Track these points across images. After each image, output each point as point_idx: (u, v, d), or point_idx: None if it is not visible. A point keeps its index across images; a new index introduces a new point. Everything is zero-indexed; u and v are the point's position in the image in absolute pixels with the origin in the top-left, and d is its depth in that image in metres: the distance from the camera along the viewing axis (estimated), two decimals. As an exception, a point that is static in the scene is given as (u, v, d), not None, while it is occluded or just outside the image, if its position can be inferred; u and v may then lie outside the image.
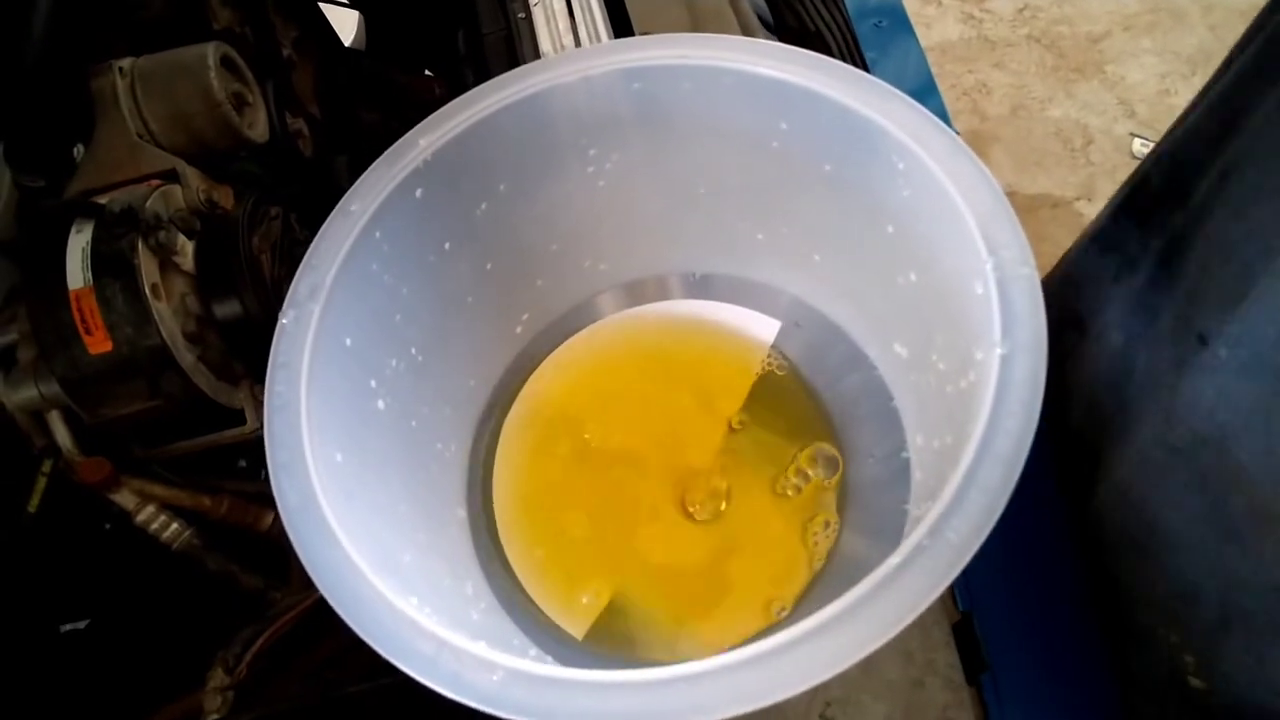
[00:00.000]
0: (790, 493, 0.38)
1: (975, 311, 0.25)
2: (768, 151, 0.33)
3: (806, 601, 0.36)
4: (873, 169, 0.29)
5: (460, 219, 0.33)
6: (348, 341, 0.29)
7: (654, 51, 0.31)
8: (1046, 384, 0.23)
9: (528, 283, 0.39)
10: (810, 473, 0.38)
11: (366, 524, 0.25)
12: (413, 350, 0.33)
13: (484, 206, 0.34)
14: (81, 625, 0.52)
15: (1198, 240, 0.34)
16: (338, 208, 0.29)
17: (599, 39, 0.59)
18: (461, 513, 0.37)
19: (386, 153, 0.31)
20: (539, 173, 0.35)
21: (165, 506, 0.46)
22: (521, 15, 0.65)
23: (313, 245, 0.29)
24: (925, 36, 1.60)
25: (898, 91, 0.28)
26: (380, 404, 0.31)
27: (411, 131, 0.31)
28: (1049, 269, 0.54)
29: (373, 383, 0.31)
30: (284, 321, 0.27)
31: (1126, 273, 0.40)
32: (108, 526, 0.53)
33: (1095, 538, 0.43)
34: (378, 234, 0.30)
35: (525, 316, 0.41)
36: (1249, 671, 0.34)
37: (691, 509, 0.39)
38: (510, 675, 0.20)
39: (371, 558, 0.23)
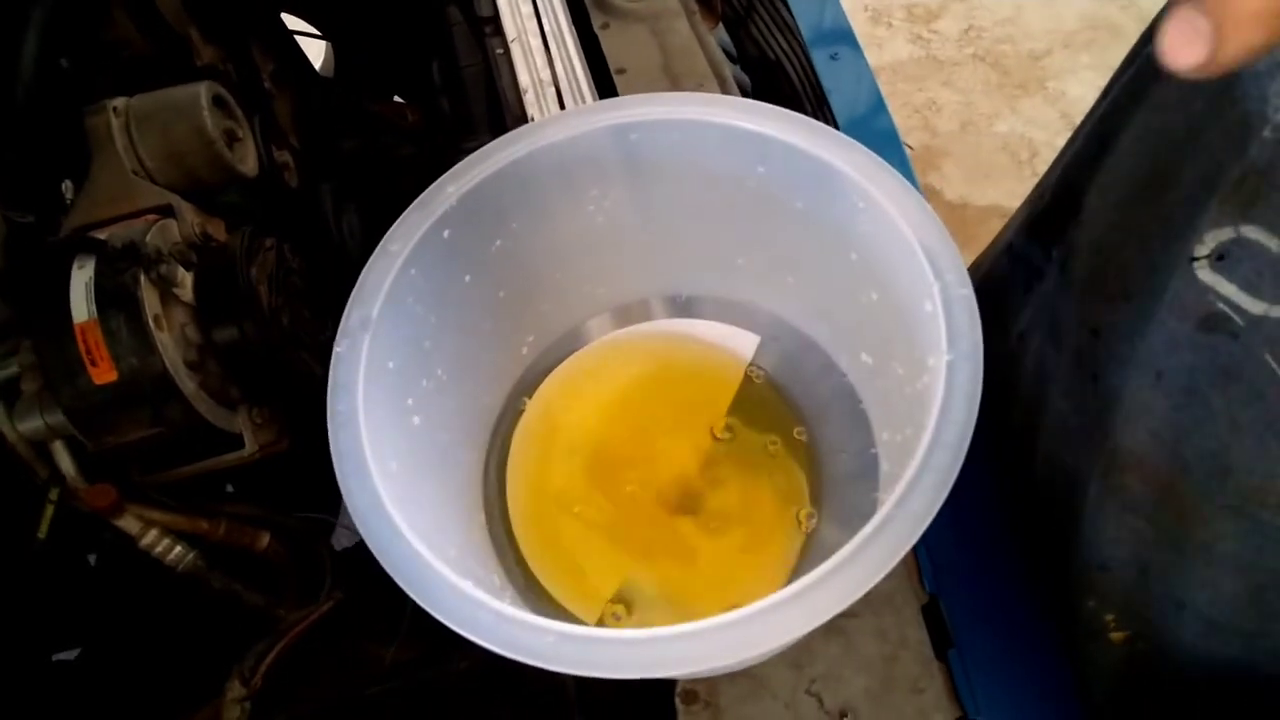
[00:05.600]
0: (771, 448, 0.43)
1: (925, 325, 0.30)
2: (746, 190, 0.38)
3: (792, 581, 0.40)
4: (837, 207, 0.34)
5: (479, 255, 0.38)
6: (390, 365, 0.33)
7: (647, 108, 0.35)
8: (987, 385, 0.28)
9: (534, 307, 0.44)
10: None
11: (420, 524, 0.29)
12: (439, 371, 0.37)
13: (499, 243, 0.38)
14: (73, 654, 0.54)
15: (1088, 247, 0.40)
16: (380, 247, 0.34)
17: (575, 74, 0.63)
18: (481, 516, 0.41)
19: (419, 198, 0.35)
20: (546, 212, 0.39)
21: (167, 531, 0.48)
22: (500, 51, 0.69)
23: (359, 281, 0.33)
24: (876, 57, 1.68)
25: (857, 143, 0.33)
26: (416, 420, 0.35)
27: (441, 179, 0.35)
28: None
29: (409, 401, 0.35)
30: (339, 350, 0.31)
31: (1035, 280, 0.46)
32: (92, 559, 0.55)
33: (1029, 521, 0.48)
34: (413, 271, 0.34)
35: (531, 338, 0.45)
36: (1170, 618, 0.40)
37: (686, 505, 0.43)
38: (561, 637, 0.24)
39: (431, 551, 0.27)
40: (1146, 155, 0.35)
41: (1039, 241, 0.45)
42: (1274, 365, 0.30)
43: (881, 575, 0.24)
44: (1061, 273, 0.41)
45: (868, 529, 0.25)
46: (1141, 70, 0.38)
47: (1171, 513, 0.36)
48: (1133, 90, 0.37)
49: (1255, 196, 0.30)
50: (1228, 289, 0.31)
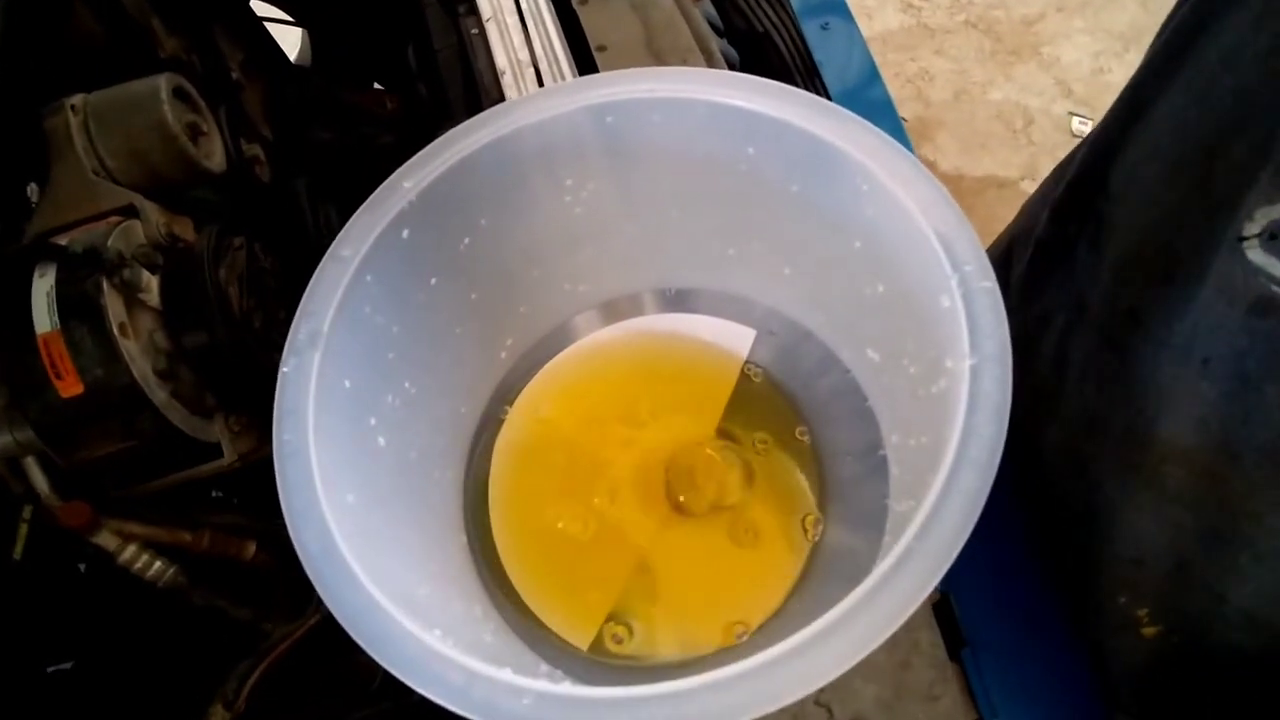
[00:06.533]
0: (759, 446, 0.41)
1: (942, 322, 0.27)
2: (736, 174, 0.34)
3: (799, 594, 0.38)
4: (838, 190, 0.31)
5: (445, 255, 0.34)
6: (347, 384, 0.30)
7: (624, 87, 0.32)
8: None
9: (511, 309, 0.41)
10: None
11: (383, 562, 0.26)
12: (406, 384, 0.34)
13: (467, 241, 0.35)
14: (67, 666, 0.52)
15: (1123, 224, 0.37)
16: (329, 253, 0.30)
17: (554, 53, 0.60)
18: (463, 538, 0.38)
19: (373, 196, 0.31)
20: (518, 205, 0.36)
21: (147, 545, 0.46)
22: (475, 31, 0.65)
23: (308, 292, 0.29)
24: (867, 27, 1.64)
25: (858, 118, 0.30)
26: (381, 440, 0.32)
27: (395, 174, 0.32)
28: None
29: (372, 420, 0.31)
30: (285, 370, 0.28)
31: (1058, 261, 0.43)
32: (82, 568, 0.52)
33: (1040, 514, 0.45)
34: (369, 277, 0.31)
35: (509, 341, 0.42)
36: (1209, 612, 0.37)
37: (682, 515, 0.40)
38: (539, 698, 0.21)
39: (393, 596, 0.24)
40: (1187, 125, 0.32)
41: (1064, 220, 0.41)
42: None
43: (910, 612, 0.21)
44: (1092, 251, 0.38)
45: (887, 563, 0.22)
46: (1178, 32, 0.34)
47: (1216, 505, 0.34)
48: (1169, 54, 0.34)
49: None
50: None
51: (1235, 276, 0.29)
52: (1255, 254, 0.28)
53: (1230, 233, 0.28)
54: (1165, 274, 0.32)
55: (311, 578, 0.24)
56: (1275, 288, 0.27)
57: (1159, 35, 0.37)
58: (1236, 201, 0.29)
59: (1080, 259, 0.39)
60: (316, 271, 0.30)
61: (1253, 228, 0.28)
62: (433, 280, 0.34)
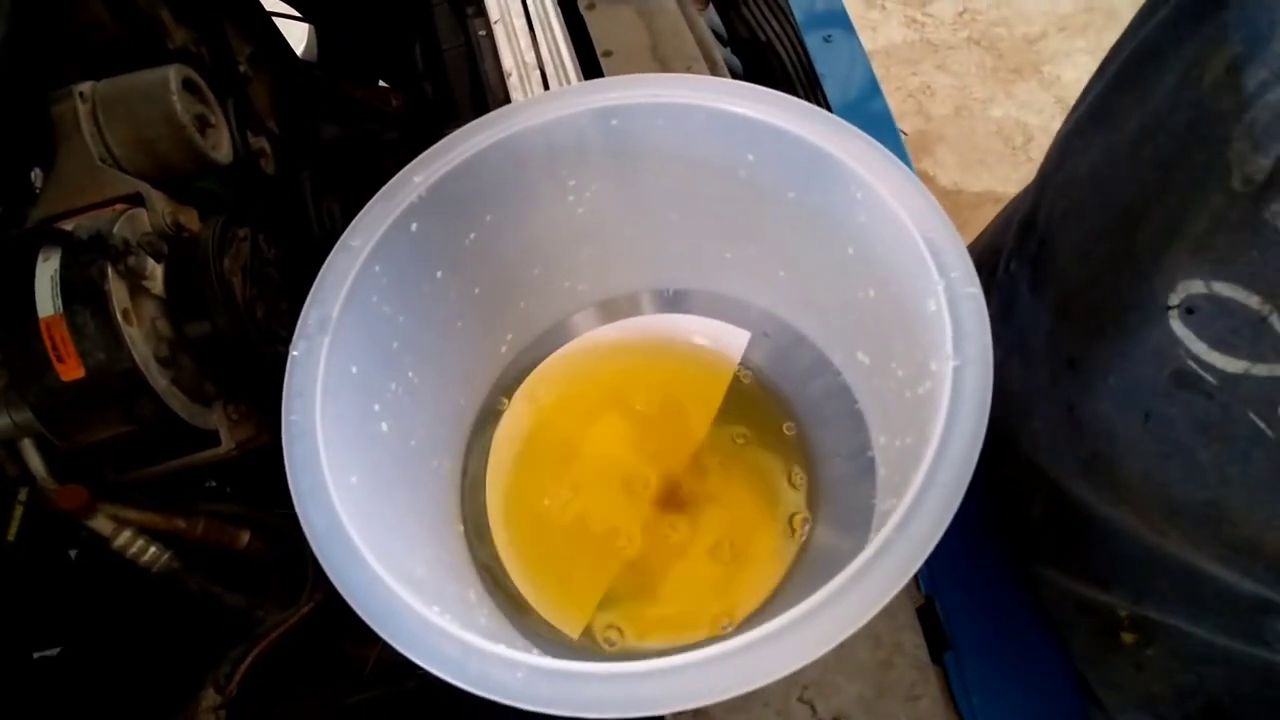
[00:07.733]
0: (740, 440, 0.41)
1: (929, 326, 0.28)
2: (735, 179, 0.36)
3: (784, 591, 0.38)
4: (833, 197, 0.32)
5: (451, 249, 0.35)
6: (353, 369, 0.31)
7: (629, 91, 0.33)
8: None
9: (512, 304, 0.42)
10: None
11: (384, 543, 0.27)
12: (409, 374, 0.35)
13: (472, 236, 0.36)
14: (54, 652, 0.52)
15: (1054, 272, 0.37)
16: (340, 243, 0.31)
17: (560, 57, 0.61)
18: (459, 526, 0.38)
19: (383, 189, 0.32)
20: (523, 203, 0.37)
21: (142, 530, 0.46)
22: (483, 33, 0.66)
23: (318, 279, 0.30)
24: (870, 40, 1.65)
25: (855, 129, 0.31)
26: (384, 426, 0.33)
27: (406, 169, 0.33)
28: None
29: (376, 407, 0.32)
30: (295, 354, 0.29)
31: (997, 292, 0.43)
32: (72, 554, 0.53)
33: (1016, 520, 0.46)
34: (377, 267, 0.32)
35: (509, 336, 0.43)
36: (1174, 628, 0.38)
37: (675, 509, 0.41)
38: (532, 672, 0.22)
39: (393, 573, 0.25)
40: (1111, 184, 0.32)
41: (1003, 253, 0.42)
42: (1261, 425, 0.27)
43: (885, 602, 0.22)
44: (1031, 293, 0.39)
45: (866, 553, 0.23)
46: (1108, 89, 0.34)
47: (1170, 553, 0.34)
48: (1093, 111, 0.34)
49: (1230, 253, 0.27)
50: (1198, 346, 0.27)
51: (1163, 343, 0.29)
52: (1176, 325, 0.28)
53: (1156, 300, 0.29)
54: (1099, 330, 0.32)
55: (316, 551, 0.25)
56: (1191, 363, 0.28)
57: (1088, 90, 0.37)
58: (1158, 270, 0.29)
59: (1020, 295, 0.40)
60: (327, 260, 0.31)
61: (1175, 298, 0.28)
62: (438, 273, 0.35)
